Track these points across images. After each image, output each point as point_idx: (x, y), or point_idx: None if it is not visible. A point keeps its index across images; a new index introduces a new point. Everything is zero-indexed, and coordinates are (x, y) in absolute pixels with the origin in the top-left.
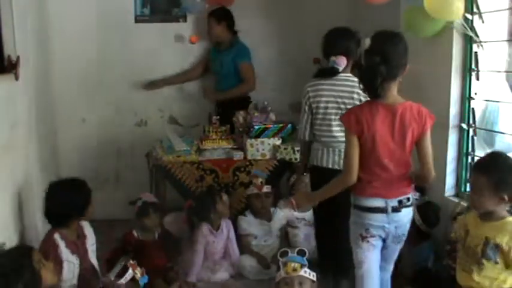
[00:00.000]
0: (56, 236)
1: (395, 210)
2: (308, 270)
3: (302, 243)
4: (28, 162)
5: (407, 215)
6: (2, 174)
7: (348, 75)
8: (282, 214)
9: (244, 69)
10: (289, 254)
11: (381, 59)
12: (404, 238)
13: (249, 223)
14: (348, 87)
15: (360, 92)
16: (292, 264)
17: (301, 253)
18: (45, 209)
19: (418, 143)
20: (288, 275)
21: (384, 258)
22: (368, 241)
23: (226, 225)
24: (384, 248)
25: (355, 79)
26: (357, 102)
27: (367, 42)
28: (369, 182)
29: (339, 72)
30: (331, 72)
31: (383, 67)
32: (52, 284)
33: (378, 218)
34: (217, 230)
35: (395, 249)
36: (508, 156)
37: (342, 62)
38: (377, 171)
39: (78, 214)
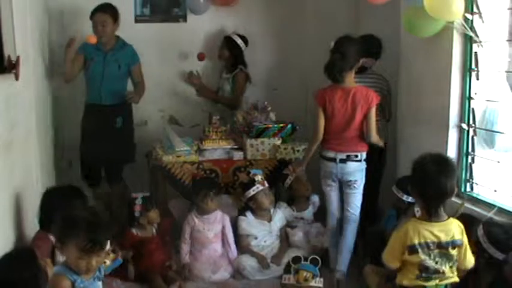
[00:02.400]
0: (51, 237)
1: (342, 161)
2: (318, 279)
3: (301, 243)
4: (28, 162)
5: (353, 167)
6: (2, 174)
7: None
8: (281, 215)
9: None
10: (302, 262)
11: (340, 56)
12: (355, 185)
13: (249, 223)
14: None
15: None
16: (305, 274)
17: (314, 262)
18: (40, 216)
19: (366, 116)
20: (298, 284)
21: (345, 201)
22: (326, 182)
23: (221, 216)
24: (342, 192)
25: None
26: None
27: (332, 44)
28: (328, 140)
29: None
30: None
31: (341, 62)
32: None
33: (329, 165)
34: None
35: (350, 194)
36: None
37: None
38: (333, 133)
39: None
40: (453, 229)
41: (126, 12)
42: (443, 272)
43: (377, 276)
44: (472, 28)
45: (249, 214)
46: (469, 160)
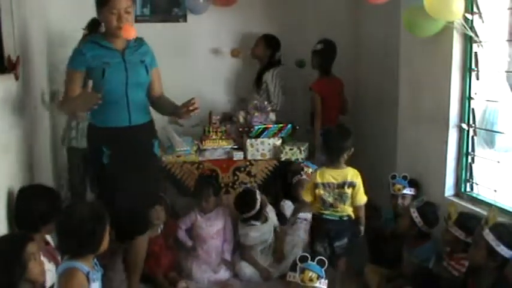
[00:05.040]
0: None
1: None
2: (323, 281)
3: (303, 238)
4: (28, 162)
5: None
6: (1, 174)
7: None
8: (273, 213)
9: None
10: (309, 261)
11: (325, 55)
12: None
13: (251, 232)
14: None
15: None
16: (310, 274)
17: (321, 263)
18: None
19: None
20: (302, 283)
21: None
22: None
23: (222, 213)
24: None
25: None
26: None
27: (318, 46)
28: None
29: None
30: None
31: (328, 59)
32: (37, 281)
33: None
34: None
35: None
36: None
37: None
38: (327, 113)
39: (44, 222)
40: (349, 174)
41: None
42: (337, 207)
43: (377, 276)
44: (472, 28)
45: (254, 222)
46: (469, 160)
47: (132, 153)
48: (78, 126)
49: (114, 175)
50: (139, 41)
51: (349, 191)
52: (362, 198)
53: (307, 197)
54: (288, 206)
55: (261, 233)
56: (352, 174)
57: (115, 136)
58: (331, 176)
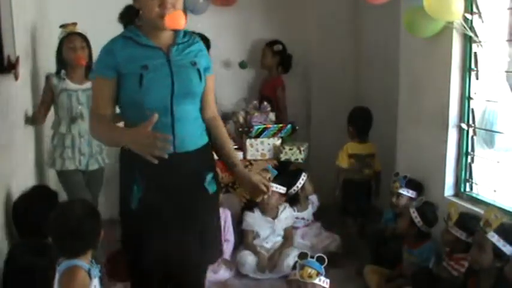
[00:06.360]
0: None
1: None
2: (323, 278)
3: (300, 243)
4: (27, 162)
5: None
6: (1, 175)
7: None
8: (288, 214)
9: None
10: (308, 258)
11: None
12: None
13: (254, 219)
14: None
15: None
16: (309, 270)
17: (320, 260)
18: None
19: None
20: (302, 279)
21: None
22: None
23: (222, 210)
24: None
25: None
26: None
27: (280, 47)
28: None
29: None
30: None
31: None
32: None
33: None
34: None
35: None
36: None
37: None
38: None
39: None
40: (370, 147)
41: None
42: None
43: (377, 276)
44: (471, 28)
45: (256, 210)
46: (469, 160)
47: (174, 194)
48: (74, 142)
49: (144, 227)
50: (190, 36)
51: (370, 160)
52: (379, 166)
53: (343, 163)
54: (286, 208)
55: (260, 226)
56: (373, 147)
57: (151, 168)
58: (357, 148)
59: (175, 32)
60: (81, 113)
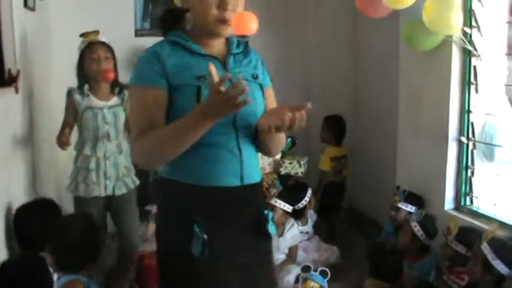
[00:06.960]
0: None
1: None
2: None
3: (301, 255)
4: (27, 174)
5: None
6: (1, 187)
7: None
8: (296, 232)
9: None
10: (311, 272)
11: None
12: None
13: None
14: None
15: None
16: (312, 284)
17: (324, 274)
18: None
19: None
20: None
21: None
22: None
23: None
24: None
25: None
26: None
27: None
28: None
29: None
30: None
31: None
32: None
33: None
34: None
35: None
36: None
37: None
38: None
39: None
40: (345, 149)
41: (126, 26)
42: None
43: None
44: (470, 42)
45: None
46: (469, 173)
47: (241, 235)
48: (99, 165)
49: (210, 277)
50: (246, 44)
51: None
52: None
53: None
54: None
55: None
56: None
57: (216, 204)
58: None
59: (227, 39)
60: (108, 133)
